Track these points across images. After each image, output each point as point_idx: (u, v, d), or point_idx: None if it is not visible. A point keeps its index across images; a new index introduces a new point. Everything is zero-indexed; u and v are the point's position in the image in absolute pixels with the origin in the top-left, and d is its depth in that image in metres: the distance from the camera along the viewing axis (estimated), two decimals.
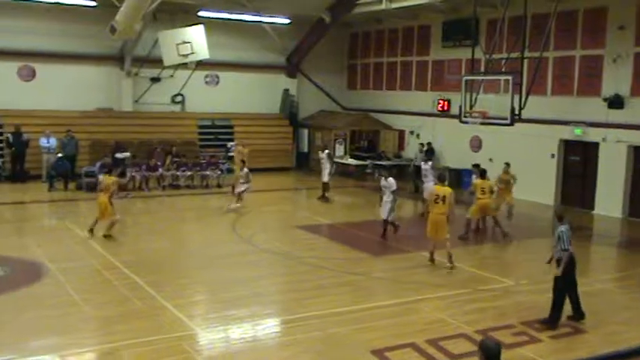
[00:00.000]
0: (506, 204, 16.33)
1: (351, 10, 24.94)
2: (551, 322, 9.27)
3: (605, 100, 18.40)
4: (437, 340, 8.67)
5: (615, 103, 18.13)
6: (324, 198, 19.78)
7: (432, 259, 12.60)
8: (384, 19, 26.53)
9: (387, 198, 14.69)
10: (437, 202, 12.35)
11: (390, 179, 14.81)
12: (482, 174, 15.36)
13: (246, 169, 18.12)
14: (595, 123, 18.75)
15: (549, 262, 9.87)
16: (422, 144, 23.86)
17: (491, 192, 15.32)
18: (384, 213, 14.80)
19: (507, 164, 16.62)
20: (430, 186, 15.50)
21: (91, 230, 14.20)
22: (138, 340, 8.50)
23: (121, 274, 11.54)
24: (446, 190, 12.41)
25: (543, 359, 8.10)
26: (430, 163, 18.12)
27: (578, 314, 9.55)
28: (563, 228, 9.30)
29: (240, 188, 18.03)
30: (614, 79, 18.30)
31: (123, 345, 8.31)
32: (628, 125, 17.92)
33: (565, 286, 9.35)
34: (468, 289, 11.20)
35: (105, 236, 14.01)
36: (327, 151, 20.47)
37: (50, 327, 8.95)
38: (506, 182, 16.31)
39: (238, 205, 17.72)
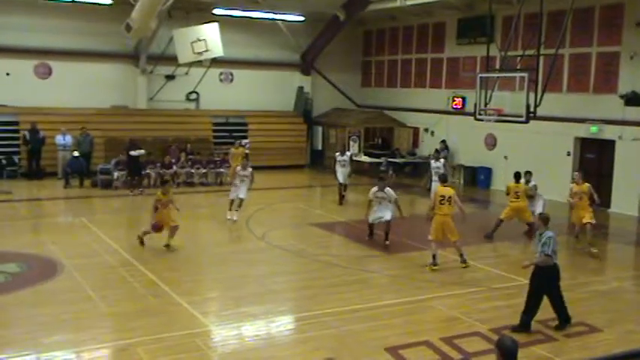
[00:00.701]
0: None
1: (365, 7, 24.88)
2: (521, 327, 8.89)
3: (621, 97, 18.21)
4: (451, 338, 8.65)
5: (632, 100, 17.93)
6: (342, 199, 19.05)
7: (435, 263, 12.10)
8: (399, 17, 26.45)
9: (383, 207, 13.67)
10: (442, 204, 12.19)
11: (389, 190, 13.68)
12: (517, 177, 14.87)
13: (250, 169, 16.19)
14: (611, 120, 18.58)
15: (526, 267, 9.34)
16: (444, 141, 23.64)
17: (528, 196, 14.75)
18: (384, 214, 13.64)
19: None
20: (434, 186, 15.43)
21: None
22: (153, 336, 8.55)
23: (137, 271, 11.62)
24: (449, 191, 12.30)
25: (558, 358, 8.04)
26: (442, 160, 17.74)
27: (562, 324, 9.11)
28: (550, 233, 8.89)
29: (242, 193, 15.93)
30: (631, 76, 18.10)
31: (138, 341, 8.37)
32: None
33: (539, 291, 8.92)
34: (482, 287, 11.15)
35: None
36: (348, 152, 19.82)
37: (65, 323, 9.03)
38: (580, 195, 14.05)
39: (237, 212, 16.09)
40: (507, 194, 15.07)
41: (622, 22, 18.37)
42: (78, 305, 9.80)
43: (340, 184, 18.93)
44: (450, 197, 12.19)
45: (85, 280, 10.96)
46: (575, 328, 9.25)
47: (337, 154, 19.37)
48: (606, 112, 18.70)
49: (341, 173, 18.84)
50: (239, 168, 16.34)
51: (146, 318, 9.28)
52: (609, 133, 18.76)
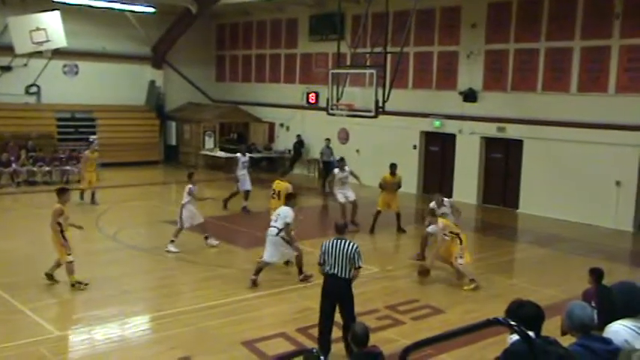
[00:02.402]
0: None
1: (218, 1, 24.62)
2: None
3: (460, 93, 19.59)
4: (307, 329, 8.84)
5: (469, 96, 19.36)
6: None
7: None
8: (251, 11, 26.46)
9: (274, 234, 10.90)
10: (273, 197, 12.36)
11: (285, 209, 11.08)
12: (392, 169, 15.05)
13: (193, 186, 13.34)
14: (452, 115, 19.92)
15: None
16: (328, 139, 22.39)
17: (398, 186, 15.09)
18: (273, 255, 10.96)
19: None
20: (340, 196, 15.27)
21: None
22: None
23: None
24: (281, 185, 12.47)
25: (405, 339, 8.51)
26: (347, 169, 15.73)
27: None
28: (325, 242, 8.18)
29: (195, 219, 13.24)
30: (469, 74, 19.52)
31: None
32: (480, 118, 19.20)
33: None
34: None
35: None
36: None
37: None
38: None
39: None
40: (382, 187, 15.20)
41: (459, 23, 19.75)
42: None
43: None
44: (279, 192, 12.28)
45: None
46: (421, 311, 9.85)
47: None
48: (448, 107, 20.02)
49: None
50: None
51: None
52: (450, 127, 20.11)
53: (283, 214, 10.89)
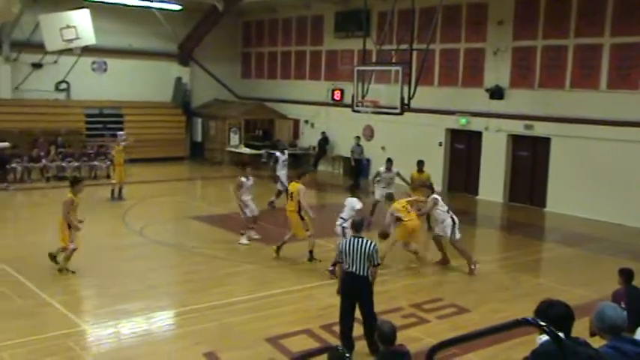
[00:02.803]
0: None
1: None
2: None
3: (487, 90, 19.40)
4: (331, 326, 8.82)
5: (496, 94, 19.15)
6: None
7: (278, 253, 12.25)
8: (277, 9, 26.50)
9: None
10: (289, 199, 12.21)
11: (351, 199, 11.56)
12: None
13: (248, 180, 13.42)
14: (478, 113, 19.73)
15: None
16: (358, 137, 22.18)
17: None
18: None
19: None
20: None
21: None
22: (19, 340, 8.04)
23: (1, 272, 10.86)
24: (294, 187, 12.19)
25: (429, 338, 8.46)
26: (395, 170, 15.42)
27: (370, 348, 7.80)
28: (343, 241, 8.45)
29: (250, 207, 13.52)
30: (495, 71, 19.31)
31: (3, 346, 7.83)
32: (507, 115, 18.99)
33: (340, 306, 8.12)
34: None
35: None
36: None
37: None
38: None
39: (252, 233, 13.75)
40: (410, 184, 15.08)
41: (486, 20, 19.54)
42: None
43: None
44: (292, 193, 12.04)
45: None
46: (446, 310, 9.77)
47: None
48: (474, 105, 19.84)
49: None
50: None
51: (12, 321, 8.72)
52: (476, 124, 19.92)
53: (350, 204, 11.35)
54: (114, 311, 9.29)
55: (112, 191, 17.56)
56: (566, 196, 17.77)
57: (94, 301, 10.05)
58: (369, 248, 7.87)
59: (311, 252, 12.04)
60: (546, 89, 18.26)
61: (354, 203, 11.40)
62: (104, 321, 8.92)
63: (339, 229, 11.47)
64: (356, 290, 7.95)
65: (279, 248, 12.29)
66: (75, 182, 11.13)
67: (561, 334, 3.61)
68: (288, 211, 12.18)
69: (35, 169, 20.34)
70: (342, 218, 11.49)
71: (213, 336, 8.49)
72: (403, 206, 11.90)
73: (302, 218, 11.94)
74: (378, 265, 8.05)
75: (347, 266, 7.94)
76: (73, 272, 10.79)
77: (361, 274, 7.87)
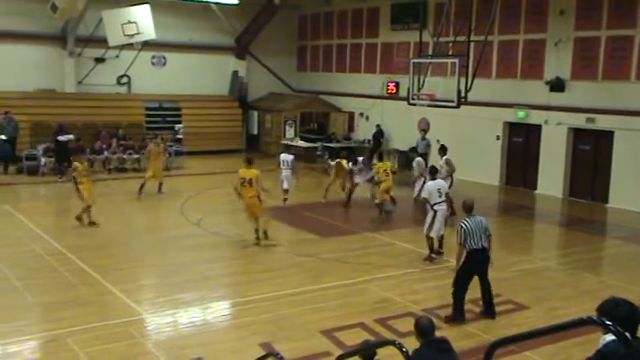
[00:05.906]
0: None
1: None
2: (453, 319, 8.90)
3: (547, 83, 18.88)
4: (385, 320, 8.81)
5: (556, 86, 18.62)
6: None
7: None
8: (333, 1, 26.47)
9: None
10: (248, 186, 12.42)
11: (441, 182, 12.39)
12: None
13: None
14: (537, 106, 19.24)
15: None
16: (424, 130, 21.70)
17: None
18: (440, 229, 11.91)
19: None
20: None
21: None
22: (83, 326, 8.34)
23: (66, 260, 11.28)
24: (251, 173, 12.60)
25: (487, 335, 8.32)
26: (445, 157, 15.55)
27: (488, 312, 9.16)
28: (462, 223, 8.91)
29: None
30: (556, 63, 18.77)
31: (67, 332, 8.15)
32: (568, 108, 18.44)
33: (459, 281, 8.94)
34: (416, 269, 11.40)
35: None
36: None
37: None
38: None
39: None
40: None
41: (547, 9, 18.99)
42: (3, 296, 9.45)
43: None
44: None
45: (9, 270, 10.56)
46: (503, 306, 9.59)
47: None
48: (533, 97, 19.34)
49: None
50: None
51: (76, 308, 9.05)
52: (535, 118, 19.43)
53: (443, 188, 12.03)
54: (172, 300, 9.51)
55: (142, 185, 17.08)
56: (630, 192, 17.14)
57: (153, 290, 10.30)
58: (484, 222, 8.96)
59: (265, 232, 12.64)
60: (610, 81, 17.63)
61: (444, 185, 12.32)
62: (163, 310, 9.15)
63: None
64: (483, 262, 8.94)
65: (257, 233, 12.63)
66: (76, 151, 15.59)
67: (627, 335, 3.49)
68: (248, 197, 12.37)
69: (98, 160, 20.96)
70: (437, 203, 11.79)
71: (269, 327, 8.59)
72: (384, 170, 14.76)
73: (260, 201, 12.49)
74: (491, 234, 9.08)
75: (474, 244, 8.78)
76: (94, 223, 13.48)
77: (485, 246, 8.92)
